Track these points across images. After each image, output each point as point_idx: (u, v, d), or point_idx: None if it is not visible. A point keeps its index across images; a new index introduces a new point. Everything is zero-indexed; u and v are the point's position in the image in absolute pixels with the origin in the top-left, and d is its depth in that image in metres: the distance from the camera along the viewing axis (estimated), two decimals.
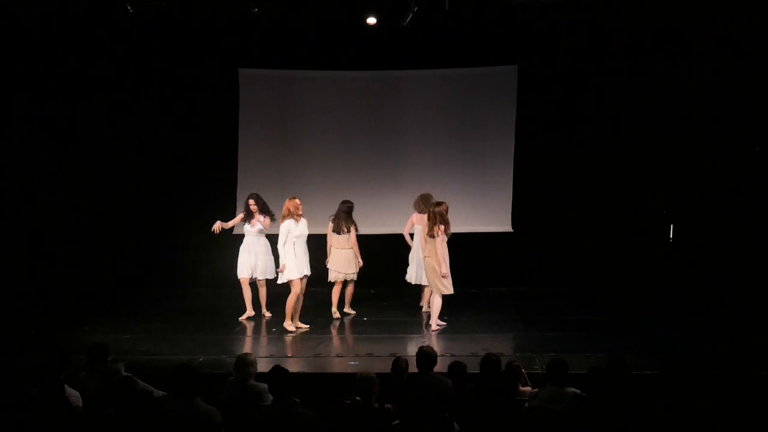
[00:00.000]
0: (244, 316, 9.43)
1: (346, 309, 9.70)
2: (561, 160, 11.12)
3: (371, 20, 10.21)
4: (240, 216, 9.57)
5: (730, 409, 5.60)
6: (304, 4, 10.02)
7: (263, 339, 8.78)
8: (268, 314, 9.50)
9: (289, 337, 8.66)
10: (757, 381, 6.73)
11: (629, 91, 10.87)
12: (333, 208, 9.66)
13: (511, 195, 11.12)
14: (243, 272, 9.41)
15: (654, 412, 5.32)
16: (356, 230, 9.51)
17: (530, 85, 11.01)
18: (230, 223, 9.60)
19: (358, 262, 9.49)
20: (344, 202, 9.56)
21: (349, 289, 9.67)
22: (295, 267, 8.77)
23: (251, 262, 9.37)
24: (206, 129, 11.21)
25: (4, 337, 8.35)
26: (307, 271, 8.99)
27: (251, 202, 9.36)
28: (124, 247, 11.29)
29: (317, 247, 9.49)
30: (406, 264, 9.96)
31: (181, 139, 11.21)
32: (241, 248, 9.45)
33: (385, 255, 10.52)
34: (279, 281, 8.95)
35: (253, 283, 9.48)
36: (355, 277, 9.56)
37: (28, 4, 9.68)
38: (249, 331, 8.99)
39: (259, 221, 9.29)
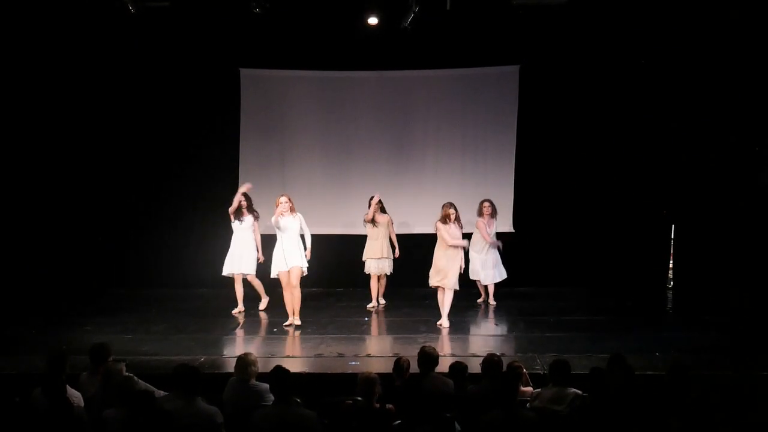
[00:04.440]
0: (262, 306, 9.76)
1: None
2: (562, 161, 11.12)
3: (372, 20, 10.21)
4: (236, 205, 9.52)
5: (731, 409, 5.60)
6: (305, 5, 10.03)
7: (264, 339, 8.76)
8: (239, 310, 9.67)
9: (290, 337, 8.67)
10: (758, 381, 6.73)
11: (629, 91, 10.87)
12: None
13: (513, 195, 11.12)
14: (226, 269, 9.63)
15: (655, 412, 5.32)
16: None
17: (532, 85, 11.01)
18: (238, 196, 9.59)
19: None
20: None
21: (381, 280, 10.11)
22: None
23: (235, 256, 9.54)
24: (207, 129, 11.23)
25: (5, 337, 8.34)
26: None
27: (242, 198, 9.48)
28: (125, 246, 11.31)
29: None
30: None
31: (183, 139, 11.22)
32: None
33: None
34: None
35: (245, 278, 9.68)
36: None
37: (28, 5, 9.69)
38: (250, 331, 8.99)
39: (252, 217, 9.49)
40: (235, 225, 9.58)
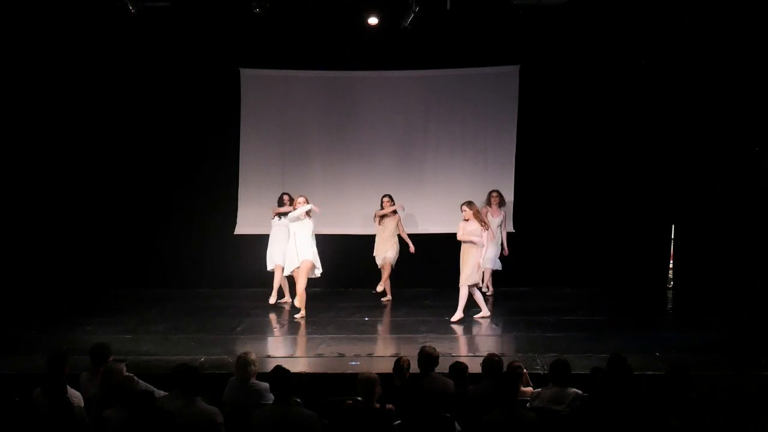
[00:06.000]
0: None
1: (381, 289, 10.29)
2: (562, 160, 11.13)
3: (373, 20, 10.21)
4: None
5: (731, 409, 5.60)
6: (305, 4, 10.03)
7: (265, 339, 8.78)
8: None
9: (290, 337, 8.69)
10: (758, 381, 6.73)
11: (629, 91, 10.87)
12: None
13: (513, 195, 11.11)
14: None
15: (655, 412, 5.32)
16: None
17: (532, 85, 11.01)
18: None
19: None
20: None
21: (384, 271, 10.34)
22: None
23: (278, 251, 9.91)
24: (208, 129, 11.22)
25: (5, 337, 8.34)
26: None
27: (286, 198, 9.89)
28: (125, 246, 11.30)
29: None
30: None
31: (183, 138, 11.22)
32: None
33: None
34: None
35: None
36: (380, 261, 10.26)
37: (29, 5, 9.69)
38: (250, 331, 8.98)
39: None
40: (275, 221, 9.97)
